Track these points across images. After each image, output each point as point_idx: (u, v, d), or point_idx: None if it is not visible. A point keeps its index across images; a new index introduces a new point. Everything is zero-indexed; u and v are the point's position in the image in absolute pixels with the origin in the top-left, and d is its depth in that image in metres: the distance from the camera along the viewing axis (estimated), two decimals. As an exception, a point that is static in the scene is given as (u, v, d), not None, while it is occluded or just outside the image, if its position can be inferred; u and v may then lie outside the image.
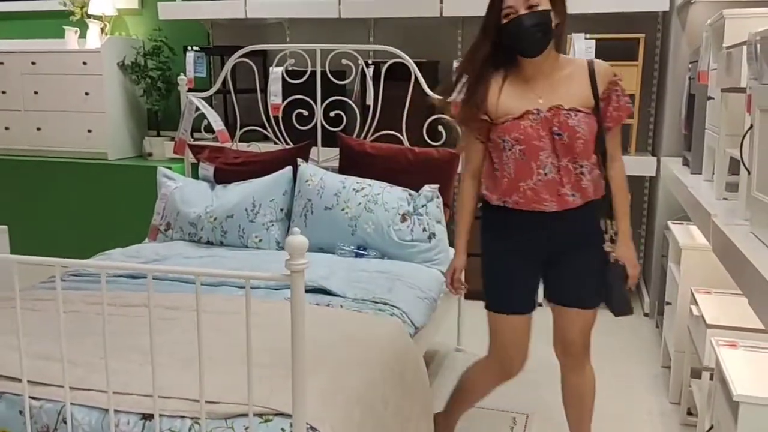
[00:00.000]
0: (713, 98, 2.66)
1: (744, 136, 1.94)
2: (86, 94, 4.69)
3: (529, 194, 2.00)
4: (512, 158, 2.00)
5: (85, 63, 4.67)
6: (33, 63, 4.76)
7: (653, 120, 4.23)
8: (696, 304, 2.48)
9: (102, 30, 4.87)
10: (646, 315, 3.93)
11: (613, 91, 2.03)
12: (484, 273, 2.14)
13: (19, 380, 1.64)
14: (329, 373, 1.75)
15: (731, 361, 1.89)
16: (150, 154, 4.83)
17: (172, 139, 4.72)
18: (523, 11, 1.91)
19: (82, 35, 4.87)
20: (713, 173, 2.74)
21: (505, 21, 1.94)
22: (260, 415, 1.53)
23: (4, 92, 4.85)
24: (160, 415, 1.53)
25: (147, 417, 1.56)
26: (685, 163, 3.29)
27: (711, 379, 2.20)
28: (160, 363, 1.60)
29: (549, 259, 2.09)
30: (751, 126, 1.90)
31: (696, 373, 2.55)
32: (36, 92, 4.78)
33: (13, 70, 4.81)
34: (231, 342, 1.85)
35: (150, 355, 1.56)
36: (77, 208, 4.68)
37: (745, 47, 2.05)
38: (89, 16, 4.83)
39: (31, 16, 5.20)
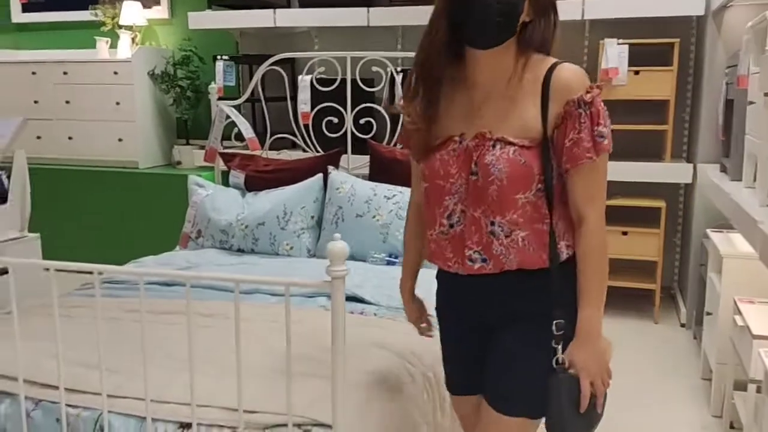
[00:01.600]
0: (754, 103, 2.60)
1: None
2: (117, 103, 4.73)
3: (433, 248, 1.54)
4: (425, 199, 1.55)
5: (116, 73, 4.71)
6: (65, 73, 4.82)
7: (688, 126, 4.15)
8: (740, 314, 2.41)
9: (133, 40, 4.92)
10: (682, 326, 3.84)
11: (572, 115, 1.40)
12: None
13: (56, 388, 1.63)
14: (366, 383, 1.72)
15: (783, 374, 1.82)
16: (179, 163, 4.86)
17: (202, 147, 4.75)
18: None
19: (113, 45, 4.92)
20: (754, 180, 2.67)
21: None
22: (299, 425, 1.50)
23: (36, 102, 4.91)
24: (198, 424, 1.51)
25: (185, 426, 1.54)
26: (723, 169, 3.21)
27: (758, 391, 2.13)
28: (197, 371, 1.58)
29: (489, 328, 1.54)
30: (802, 130, 1.84)
31: (740, 386, 2.48)
32: (68, 102, 4.84)
33: (45, 79, 4.87)
34: (268, 350, 1.83)
35: (188, 363, 1.55)
36: (108, 217, 4.71)
37: (794, 49, 2.00)
38: (120, 27, 4.88)
39: (62, 27, 5.27)
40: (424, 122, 1.48)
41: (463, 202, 1.46)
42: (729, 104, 3.10)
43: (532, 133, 1.42)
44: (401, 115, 1.62)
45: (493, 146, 1.41)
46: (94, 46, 4.93)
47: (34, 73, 4.89)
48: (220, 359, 1.78)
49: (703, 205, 3.64)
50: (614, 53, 3.74)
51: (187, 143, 4.93)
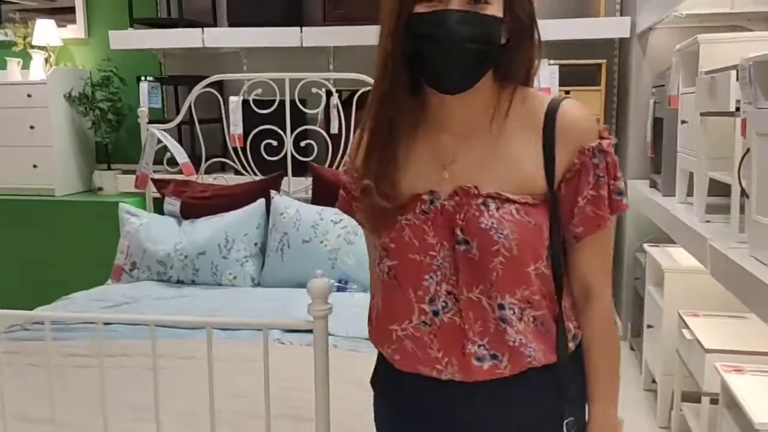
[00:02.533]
0: (686, 122, 2.71)
1: (742, 160, 1.96)
2: (31, 127, 4.45)
3: (408, 347, 1.15)
4: (380, 279, 1.19)
5: (29, 95, 4.43)
6: (-28, 96, 4.49)
7: (616, 143, 4.29)
8: (687, 327, 2.48)
9: (46, 60, 4.65)
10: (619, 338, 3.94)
11: (587, 166, 1.12)
12: None
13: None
14: (347, 424, 1.64)
15: (742, 388, 1.88)
16: (100, 189, 4.61)
17: (125, 172, 4.54)
18: (454, 5, 1.05)
19: (25, 66, 4.64)
20: (687, 195, 2.78)
21: (420, 11, 1.06)
22: (280, 474, 1.41)
23: (-61, 127, 4.55)
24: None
25: (153, 483, 1.42)
26: (653, 185, 3.33)
27: (712, 403, 2.19)
28: (155, 420, 1.46)
29: None
30: (748, 150, 1.91)
31: (689, 397, 2.54)
32: (-24, 126, 4.51)
33: (-50, 102, 4.53)
34: (231, 393, 1.72)
35: (145, 412, 1.43)
36: (27, 249, 4.39)
37: (733, 72, 2.09)
38: (33, 47, 4.61)
39: (-32, 47, 4.93)
40: (379, 181, 1.12)
41: (448, 281, 1.11)
42: (658, 122, 3.22)
43: (533, 186, 1.11)
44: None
45: (485, 205, 1.09)
46: (4, 68, 4.63)
47: (-64, 95, 4.54)
48: (180, 405, 1.67)
49: (634, 219, 3.76)
50: (546, 74, 3.83)
51: (109, 168, 4.69)
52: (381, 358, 1.24)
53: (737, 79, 2.01)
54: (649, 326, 3.08)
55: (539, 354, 1.11)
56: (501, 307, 1.10)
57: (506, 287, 1.10)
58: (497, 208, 1.09)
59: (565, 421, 1.15)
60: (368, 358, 2.17)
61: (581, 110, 1.15)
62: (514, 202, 1.09)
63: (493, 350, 1.10)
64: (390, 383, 1.22)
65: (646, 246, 3.22)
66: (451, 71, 1.06)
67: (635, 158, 3.79)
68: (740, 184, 1.95)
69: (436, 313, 1.12)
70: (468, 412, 1.14)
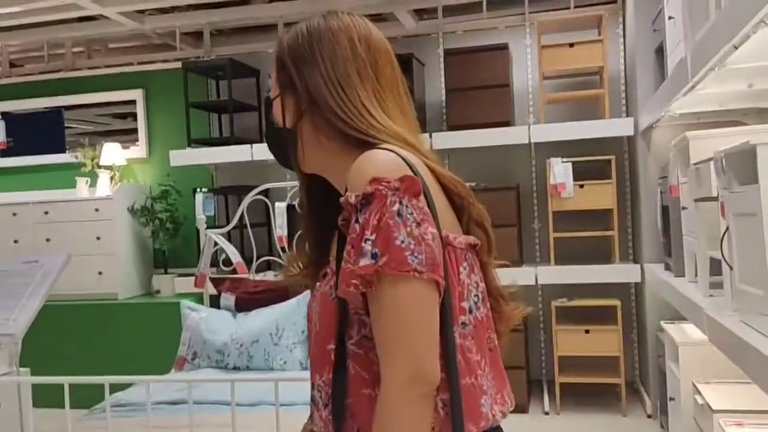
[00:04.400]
0: (686, 208, 3.01)
1: (722, 238, 2.26)
2: (98, 238, 4.94)
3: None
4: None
5: (97, 210, 4.95)
6: (46, 213, 5.02)
7: (631, 231, 4.60)
8: (699, 393, 2.70)
9: (111, 178, 5.21)
10: (649, 416, 4.10)
11: (349, 223, 1.03)
12: None
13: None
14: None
15: (741, 438, 2.10)
16: (158, 291, 5.02)
17: (180, 275, 4.96)
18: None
19: (92, 183, 5.18)
20: (695, 274, 3.04)
21: None
22: None
23: (16, 241, 5.06)
24: None
25: None
26: (667, 267, 3.58)
27: (723, 461, 2.38)
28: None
29: None
30: (728, 228, 2.22)
31: (708, 461, 2.72)
32: (48, 239, 5.01)
33: (25, 220, 5.06)
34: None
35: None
36: (94, 349, 4.78)
37: (712, 163, 2.42)
38: (100, 167, 5.17)
39: (43, 170, 5.53)
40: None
41: None
42: (665, 210, 3.53)
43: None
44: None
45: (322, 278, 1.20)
46: (73, 186, 5.19)
47: (14, 214, 5.08)
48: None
49: (654, 300, 4.00)
50: (560, 170, 4.21)
51: (166, 272, 5.13)
52: None
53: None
54: (671, 399, 3.28)
55: None
56: (312, 386, 1.14)
57: (314, 366, 1.13)
58: (322, 280, 1.17)
59: None
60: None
61: (361, 163, 1.04)
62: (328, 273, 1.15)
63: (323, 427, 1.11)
64: None
65: (663, 324, 3.45)
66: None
67: (650, 243, 4.08)
68: (723, 258, 2.24)
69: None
70: None
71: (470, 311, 1.09)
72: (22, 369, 3.56)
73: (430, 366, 0.98)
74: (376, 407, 0.98)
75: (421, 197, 1.02)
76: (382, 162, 1.03)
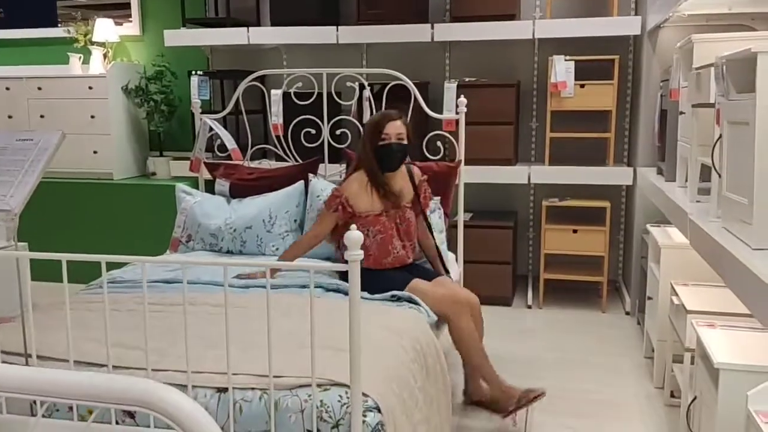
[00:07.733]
0: (684, 113, 3.00)
1: (714, 145, 2.27)
2: (92, 117, 4.91)
3: None
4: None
5: (90, 87, 4.89)
6: (39, 88, 4.96)
7: (628, 134, 4.59)
8: (676, 294, 2.80)
9: (105, 56, 5.10)
10: (627, 314, 4.26)
11: (424, 187, 3.13)
12: None
13: (101, 365, 1.87)
14: (370, 354, 2.01)
15: (710, 338, 2.20)
16: (153, 174, 5.05)
17: (176, 158, 4.97)
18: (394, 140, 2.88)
19: (85, 61, 5.09)
20: (686, 180, 3.08)
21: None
22: (319, 385, 1.79)
23: (10, 117, 5.03)
24: (233, 388, 1.78)
25: (221, 390, 1.80)
26: (659, 172, 3.62)
27: (692, 362, 2.51)
28: (223, 347, 1.84)
29: None
30: (720, 136, 2.22)
31: (679, 359, 2.86)
32: (42, 116, 4.98)
33: (19, 95, 5.01)
34: (280, 330, 2.10)
35: (216, 341, 1.81)
36: (90, 226, 4.87)
37: (713, 68, 2.39)
38: (92, 43, 5.06)
39: (35, 43, 5.41)
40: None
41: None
42: (663, 114, 3.51)
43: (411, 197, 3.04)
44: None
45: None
46: (66, 62, 5.09)
47: (7, 88, 5.02)
48: (243, 339, 2.05)
49: (642, 204, 4.06)
50: (562, 69, 4.14)
51: (161, 155, 5.13)
52: None
53: (716, 75, 2.31)
54: (649, 298, 3.40)
55: None
56: None
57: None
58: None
59: None
60: (392, 311, 2.54)
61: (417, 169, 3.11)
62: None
63: None
64: None
65: (649, 227, 3.52)
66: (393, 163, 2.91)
67: (645, 147, 4.09)
68: (713, 165, 2.27)
69: None
70: None
71: None
72: (20, 243, 3.65)
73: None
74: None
75: None
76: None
